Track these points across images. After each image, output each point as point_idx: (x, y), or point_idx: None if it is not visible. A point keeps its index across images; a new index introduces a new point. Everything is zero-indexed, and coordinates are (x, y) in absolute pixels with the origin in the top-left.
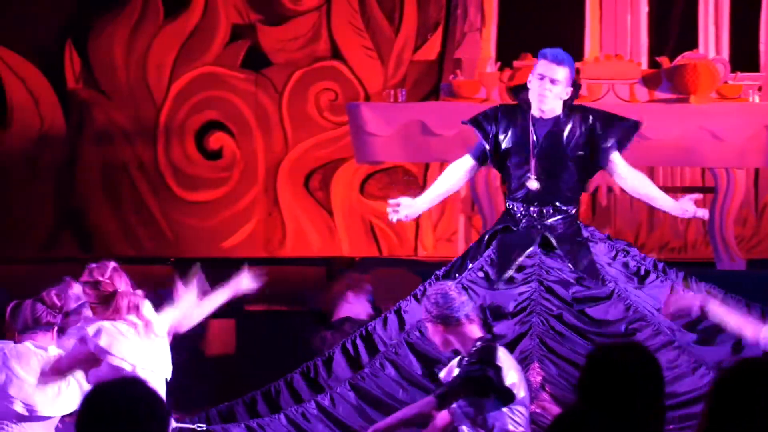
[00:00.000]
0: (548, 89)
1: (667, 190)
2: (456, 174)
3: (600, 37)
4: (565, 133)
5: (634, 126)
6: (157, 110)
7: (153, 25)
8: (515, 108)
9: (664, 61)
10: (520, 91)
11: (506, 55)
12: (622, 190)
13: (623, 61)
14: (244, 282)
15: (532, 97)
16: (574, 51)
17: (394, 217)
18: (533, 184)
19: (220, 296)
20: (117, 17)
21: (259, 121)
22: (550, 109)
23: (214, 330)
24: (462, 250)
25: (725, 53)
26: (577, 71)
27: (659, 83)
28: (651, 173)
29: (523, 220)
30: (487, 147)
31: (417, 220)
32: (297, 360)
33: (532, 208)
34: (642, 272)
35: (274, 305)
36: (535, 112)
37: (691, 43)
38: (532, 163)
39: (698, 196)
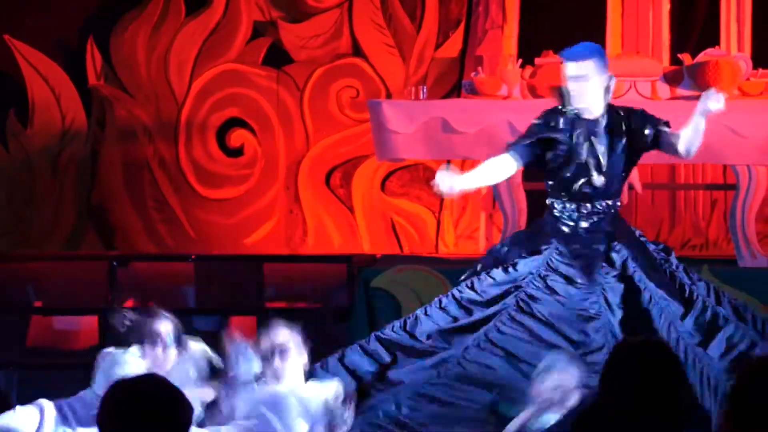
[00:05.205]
0: (577, 88)
1: (688, 187)
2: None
3: (621, 33)
4: (610, 129)
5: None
6: (178, 107)
7: (174, 22)
8: (557, 110)
9: (685, 58)
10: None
11: (528, 52)
12: (644, 188)
13: (645, 58)
14: None
15: (569, 100)
16: None
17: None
18: (599, 179)
19: None
20: (139, 14)
21: (281, 118)
22: (589, 106)
23: (234, 327)
24: (484, 248)
25: (747, 50)
26: None
27: (681, 80)
28: (672, 170)
29: (579, 220)
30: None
31: (438, 218)
32: (318, 357)
33: (585, 205)
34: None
35: (295, 302)
36: (579, 111)
37: (713, 39)
38: (588, 162)
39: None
